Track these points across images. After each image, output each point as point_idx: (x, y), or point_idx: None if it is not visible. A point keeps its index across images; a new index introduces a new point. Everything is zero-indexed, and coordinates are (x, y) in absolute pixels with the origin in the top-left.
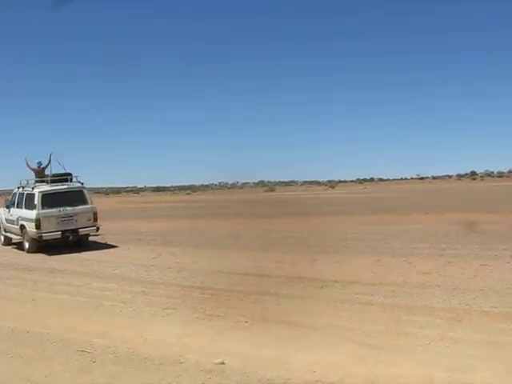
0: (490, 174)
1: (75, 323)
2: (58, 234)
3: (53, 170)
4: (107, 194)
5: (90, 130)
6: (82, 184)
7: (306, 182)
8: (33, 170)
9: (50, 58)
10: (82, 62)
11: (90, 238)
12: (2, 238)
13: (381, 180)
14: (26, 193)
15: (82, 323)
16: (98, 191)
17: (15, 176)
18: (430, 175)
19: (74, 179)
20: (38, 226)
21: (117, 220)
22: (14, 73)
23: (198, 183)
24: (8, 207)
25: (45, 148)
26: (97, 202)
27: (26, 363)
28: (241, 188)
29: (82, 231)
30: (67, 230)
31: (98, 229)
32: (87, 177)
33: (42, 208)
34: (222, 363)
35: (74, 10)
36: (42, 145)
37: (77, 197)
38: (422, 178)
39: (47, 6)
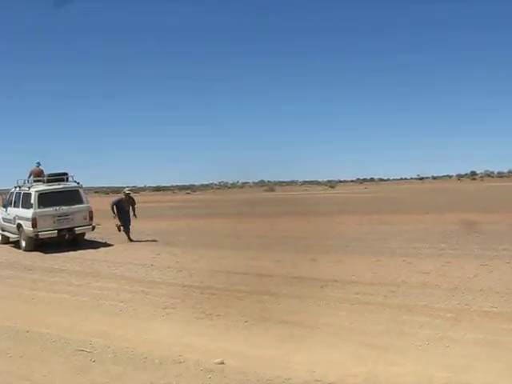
0: (489, 174)
1: (75, 323)
2: (54, 233)
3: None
4: (107, 194)
5: (90, 129)
6: (78, 183)
7: (305, 182)
8: (32, 171)
9: (49, 57)
10: (82, 61)
11: (90, 238)
12: (0, 236)
13: (381, 180)
14: (22, 192)
15: (81, 323)
16: (97, 191)
17: (13, 175)
18: (430, 175)
19: (70, 179)
20: (34, 225)
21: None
22: (13, 72)
23: (197, 183)
24: (5, 206)
25: (44, 147)
26: (97, 202)
27: (26, 363)
28: (241, 188)
29: (77, 230)
30: (63, 228)
31: (93, 228)
32: (87, 176)
33: (39, 207)
34: (222, 363)
35: (74, 9)
36: (41, 144)
37: (73, 196)
38: (421, 178)
39: (47, 4)
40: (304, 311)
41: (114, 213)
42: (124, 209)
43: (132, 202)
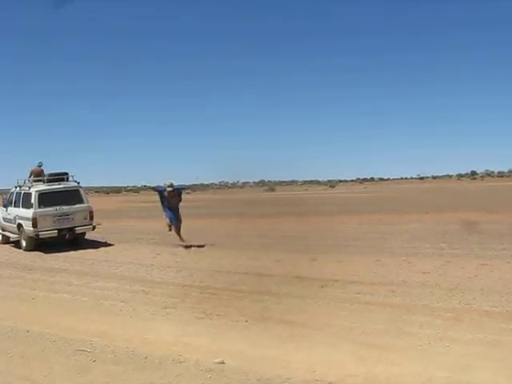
0: (490, 174)
1: (75, 322)
2: (54, 233)
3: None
4: (107, 194)
5: (90, 129)
6: (78, 183)
7: (306, 182)
8: (32, 171)
9: (49, 57)
10: (82, 60)
11: (91, 237)
12: (0, 236)
13: (381, 180)
14: (23, 192)
15: (81, 322)
16: (98, 190)
17: (13, 175)
18: (430, 175)
19: (71, 178)
20: (34, 225)
21: (117, 219)
22: (13, 72)
23: (198, 182)
24: (5, 206)
25: (44, 147)
26: (97, 202)
27: (26, 362)
28: (241, 187)
29: (78, 230)
30: (64, 228)
31: (94, 227)
32: (87, 176)
33: (39, 207)
34: (222, 362)
35: (74, 9)
36: (42, 144)
37: (73, 196)
38: (422, 178)
39: (48, 4)
40: (304, 311)
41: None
42: (169, 203)
43: (178, 195)
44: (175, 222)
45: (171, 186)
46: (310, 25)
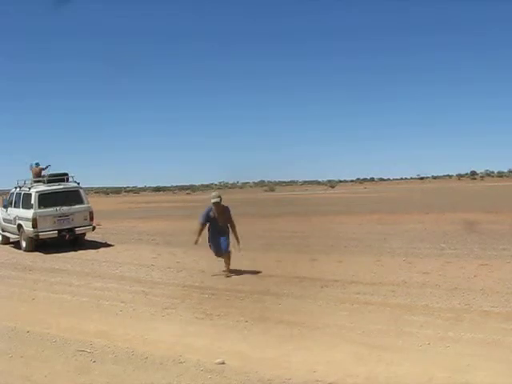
0: (489, 174)
1: (75, 323)
2: (54, 233)
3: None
4: (107, 194)
5: (91, 129)
6: (78, 184)
7: (305, 182)
8: (31, 171)
9: (50, 57)
10: (82, 60)
11: (91, 238)
12: (0, 237)
13: (381, 180)
14: (23, 192)
15: (82, 323)
16: (98, 191)
17: (14, 175)
18: (430, 175)
19: (71, 179)
20: (34, 225)
21: (117, 220)
22: (13, 72)
23: (198, 183)
24: (5, 207)
25: (44, 147)
26: (97, 202)
27: (26, 363)
28: (241, 188)
29: (78, 230)
30: (64, 229)
31: (94, 228)
32: (87, 177)
33: (39, 207)
34: (223, 363)
35: (74, 8)
36: (42, 144)
37: (73, 196)
38: (422, 178)
39: (48, 4)
40: (304, 311)
41: (198, 234)
42: (217, 224)
43: (226, 213)
44: (224, 248)
45: (218, 196)
46: (310, 25)
